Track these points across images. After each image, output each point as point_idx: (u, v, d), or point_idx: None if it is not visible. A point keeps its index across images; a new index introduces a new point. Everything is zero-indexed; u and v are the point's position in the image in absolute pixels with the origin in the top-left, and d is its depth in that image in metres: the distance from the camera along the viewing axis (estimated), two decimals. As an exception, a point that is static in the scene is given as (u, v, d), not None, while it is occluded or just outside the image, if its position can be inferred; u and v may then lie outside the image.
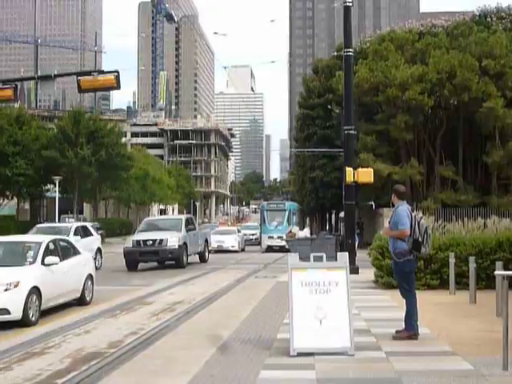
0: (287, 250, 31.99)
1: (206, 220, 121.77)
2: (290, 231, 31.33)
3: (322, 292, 7.82)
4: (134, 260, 22.81)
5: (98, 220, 53.64)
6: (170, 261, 23.13)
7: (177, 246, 22.69)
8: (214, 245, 34.28)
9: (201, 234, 26.70)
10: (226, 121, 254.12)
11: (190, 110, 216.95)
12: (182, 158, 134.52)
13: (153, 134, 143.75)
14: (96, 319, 11.44)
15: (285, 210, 40.53)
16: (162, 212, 76.87)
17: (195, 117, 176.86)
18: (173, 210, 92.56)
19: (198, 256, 26.04)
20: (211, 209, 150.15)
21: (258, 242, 42.13)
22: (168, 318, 11.26)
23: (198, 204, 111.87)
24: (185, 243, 23.33)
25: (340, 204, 42.39)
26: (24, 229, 42.17)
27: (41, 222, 59.94)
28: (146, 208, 77.54)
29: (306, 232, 32.53)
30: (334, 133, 42.45)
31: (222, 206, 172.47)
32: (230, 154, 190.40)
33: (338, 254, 8.26)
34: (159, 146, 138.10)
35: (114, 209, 71.57)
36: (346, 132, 19.64)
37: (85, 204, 64.74)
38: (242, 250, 38.22)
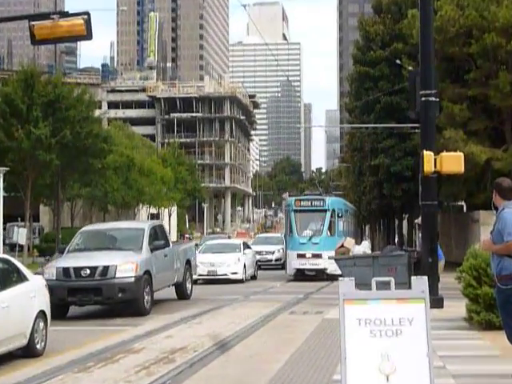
0: (329, 277, 31.78)
1: (218, 230, 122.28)
2: (342, 245, 30.60)
3: (390, 334, 7.77)
4: (61, 302, 19.02)
5: (61, 230, 54.17)
6: (121, 302, 20.26)
7: (133, 279, 19.44)
8: (202, 270, 32.47)
9: (177, 252, 23.89)
10: (247, 84, 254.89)
11: (193, 69, 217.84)
12: (183, 140, 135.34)
13: (140, 105, 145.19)
14: (59, 375, 11.49)
15: (325, 211, 36.20)
16: (154, 218, 77.37)
17: (201, 79, 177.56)
18: (169, 216, 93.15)
19: (174, 289, 24.27)
20: (225, 213, 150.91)
21: (282, 265, 40.56)
22: (164, 373, 11.31)
23: (205, 206, 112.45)
24: (147, 272, 20.33)
25: (415, 205, 42.11)
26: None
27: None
28: (130, 212, 78.11)
29: (366, 247, 32.65)
30: (405, 100, 42.18)
31: (240, 208, 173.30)
32: (253, 132, 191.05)
33: (413, 278, 8.22)
34: (149, 122, 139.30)
35: (85, 213, 72.16)
36: (423, 99, 19.50)
37: (42, 207, 65.42)
38: (253, 277, 36.81)
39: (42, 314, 13.89)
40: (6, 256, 15.87)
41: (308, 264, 34.78)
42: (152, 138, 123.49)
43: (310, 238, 35.26)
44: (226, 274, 34.14)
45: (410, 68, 36.10)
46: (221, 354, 13.10)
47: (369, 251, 32.27)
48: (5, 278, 13.19)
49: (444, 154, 19.49)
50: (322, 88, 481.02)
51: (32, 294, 13.74)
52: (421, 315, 7.83)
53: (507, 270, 8.52)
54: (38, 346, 13.63)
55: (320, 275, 34.15)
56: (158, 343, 14.66)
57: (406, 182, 47.57)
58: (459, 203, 38.43)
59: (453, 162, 19.21)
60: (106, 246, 21.97)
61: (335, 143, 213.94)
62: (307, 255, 34.66)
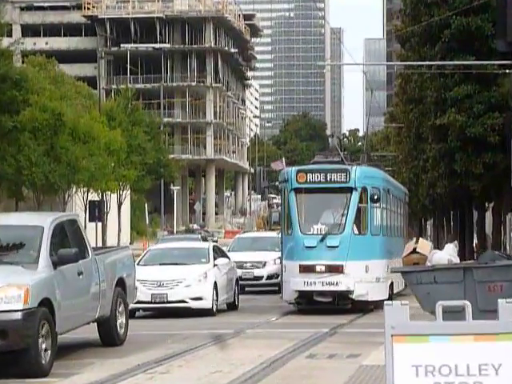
0: (357, 306, 31.46)
1: (196, 226, 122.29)
2: (414, 250, 30.24)
3: (465, 388, 7.81)
4: None
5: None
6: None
7: (19, 315, 17.53)
8: (142, 294, 29.36)
9: (102, 267, 22.00)
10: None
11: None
12: (141, 85, 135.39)
13: (72, 30, 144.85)
14: None
15: (350, 190, 31.27)
16: (95, 209, 77.32)
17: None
18: (119, 205, 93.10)
19: (96, 328, 22.55)
20: (207, 201, 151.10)
21: (278, 285, 36.89)
22: None
23: (175, 190, 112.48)
24: (46, 302, 18.38)
25: (505, 188, 41.88)
26: None
27: None
28: (58, 199, 78.17)
29: (451, 252, 31.94)
30: (490, 23, 41.90)
31: (231, 193, 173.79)
32: (251, 74, 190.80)
33: (501, 302, 8.25)
34: (88, 58, 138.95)
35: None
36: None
37: None
38: (231, 306, 34.76)
39: None
40: None
41: (319, 283, 30.14)
42: (92, 82, 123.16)
43: (323, 239, 30.33)
44: (183, 301, 31.24)
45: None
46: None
47: (456, 260, 31.18)
48: None
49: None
50: (358, 5, 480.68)
51: None
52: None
53: None
54: None
55: (341, 302, 30.98)
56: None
57: (490, 151, 47.50)
58: None
59: None
60: None
61: (379, 91, 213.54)
62: (318, 268, 30.22)
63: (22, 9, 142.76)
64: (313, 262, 30.38)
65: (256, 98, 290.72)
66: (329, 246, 30.28)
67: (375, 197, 31.26)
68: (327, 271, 30.08)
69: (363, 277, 29.66)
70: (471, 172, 50.36)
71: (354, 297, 30.29)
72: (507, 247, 49.66)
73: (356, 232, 31.05)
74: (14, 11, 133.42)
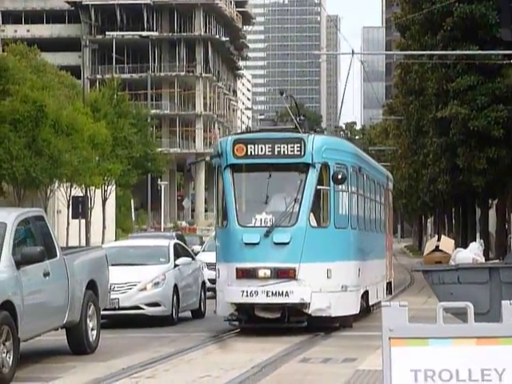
0: (314, 323, 24.21)
1: (184, 224, 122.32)
2: (436, 248, 29.91)
3: (467, 396, 7.81)
4: None
5: None
6: None
7: None
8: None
9: (72, 268, 21.41)
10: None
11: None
12: (127, 75, 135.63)
13: (55, 17, 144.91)
14: None
15: (306, 167, 24.42)
16: (77, 203, 77.36)
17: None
18: (104, 201, 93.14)
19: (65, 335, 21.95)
20: (197, 196, 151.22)
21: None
22: None
23: (163, 185, 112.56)
24: (8, 305, 17.95)
25: (509, 184, 41.87)
26: None
27: None
28: (39, 194, 78.21)
29: (476, 251, 31.77)
30: (494, 11, 42.06)
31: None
32: (243, 64, 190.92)
33: (505, 304, 8.24)
34: (71, 46, 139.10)
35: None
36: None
37: None
38: (195, 313, 32.56)
39: None
40: None
41: (263, 294, 23.23)
42: (76, 71, 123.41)
43: (269, 233, 23.39)
44: (137, 307, 28.68)
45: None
46: None
47: (482, 259, 30.95)
48: None
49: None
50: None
51: None
52: (519, 365, 7.84)
53: None
54: None
55: (293, 319, 23.88)
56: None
57: (494, 145, 47.56)
58: None
59: None
60: None
61: (378, 82, 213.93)
62: (261, 272, 23.31)
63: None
64: (254, 264, 22.96)
65: (248, 89, 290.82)
66: (276, 243, 22.98)
67: (339, 176, 23.53)
68: (274, 277, 22.75)
69: (324, 284, 22.71)
70: (474, 167, 50.42)
71: (310, 312, 22.81)
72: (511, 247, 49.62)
73: (314, 224, 23.62)
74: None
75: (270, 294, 22.58)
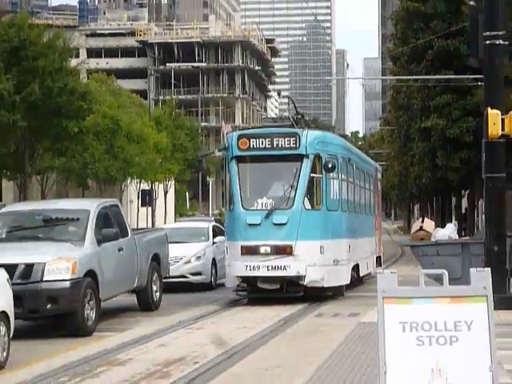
0: (309, 293, 22.37)
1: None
2: (421, 228, 29.66)
3: (443, 342, 7.72)
4: None
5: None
6: (51, 316, 18.20)
7: (68, 283, 17.33)
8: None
9: (140, 245, 21.80)
10: (264, 26, 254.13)
11: (195, 7, 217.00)
12: (182, 96, 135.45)
13: (127, 53, 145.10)
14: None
15: (300, 157, 22.73)
16: (146, 196, 77.54)
17: (205, 19, 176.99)
18: (165, 193, 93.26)
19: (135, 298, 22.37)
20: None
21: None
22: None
23: (211, 181, 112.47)
24: (91, 273, 18.26)
25: (477, 179, 41.52)
26: None
27: None
28: (116, 188, 78.32)
29: (452, 230, 31.72)
30: (465, 45, 41.81)
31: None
32: (271, 87, 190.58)
33: (472, 270, 8.16)
34: (140, 74, 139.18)
35: (59, 190, 72.42)
36: (488, 42, 19.37)
37: (5, 182, 65.75)
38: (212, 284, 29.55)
39: (2, 316, 13.92)
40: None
41: (264, 268, 21.69)
42: (143, 94, 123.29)
43: (269, 215, 21.90)
44: (183, 276, 28.02)
45: (472, 3, 35.75)
46: (228, 366, 13.11)
47: (455, 236, 30.92)
48: None
49: (514, 113, 19.36)
50: (358, 31, 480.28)
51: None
52: (482, 318, 7.76)
53: None
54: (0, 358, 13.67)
55: (290, 289, 22.06)
56: (150, 353, 14.73)
57: (465, 149, 47.30)
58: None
59: (526, 122, 19.08)
60: (33, 235, 19.68)
61: (375, 101, 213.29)
62: (262, 249, 21.76)
63: (87, 35, 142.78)
64: (256, 242, 21.58)
65: (276, 107, 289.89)
66: (275, 224, 21.61)
67: (330, 165, 22.13)
68: (273, 253, 21.39)
69: (317, 259, 21.21)
70: (450, 166, 50.30)
71: (305, 283, 21.36)
72: (479, 227, 49.34)
73: (308, 207, 22.15)
74: (80, 37, 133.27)
75: (270, 268, 21.25)
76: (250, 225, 21.55)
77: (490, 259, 18.66)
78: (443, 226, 39.50)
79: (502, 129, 18.77)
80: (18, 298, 15.32)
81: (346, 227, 23.96)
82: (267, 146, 22.37)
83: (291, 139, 22.16)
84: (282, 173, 22.56)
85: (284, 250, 21.24)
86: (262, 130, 24.83)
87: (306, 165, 21.89)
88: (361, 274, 26.66)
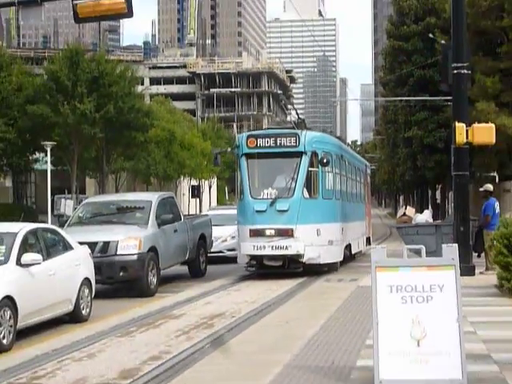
0: (308, 269, 20.41)
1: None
2: (404, 214, 29.45)
3: (421, 301, 7.73)
4: None
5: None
6: (123, 281, 18.40)
7: (135, 256, 17.64)
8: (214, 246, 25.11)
9: (190, 226, 21.67)
10: (284, 59, 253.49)
11: (232, 46, 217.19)
12: (222, 114, 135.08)
13: (180, 81, 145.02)
14: (102, 339, 11.66)
15: (300, 154, 20.81)
16: (194, 190, 77.72)
17: (239, 55, 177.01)
18: (210, 187, 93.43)
19: (187, 268, 22.43)
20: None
21: None
22: (203, 338, 11.41)
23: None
24: (153, 249, 18.49)
25: (447, 176, 41.51)
26: (4, 214, 43.15)
27: (28, 206, 61.42)
28: (172, 184, 78.50)
29: (428, 215, 31.66)
30: (438, 73, 41.71)
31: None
32: (290, 107, 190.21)
33: (444, 246, 8.16)
34: (190, 97, 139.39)
35: (128, 185, 72.66)
36: (455, 72, 19.30)
37: (87, 179, 66.04)
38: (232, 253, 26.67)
39: (86, 281, 14.12)
40: (52, 226, 16.11)
41: (269, 247, 19.91)
42: (192, 112, 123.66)
43: (273, 203, 20.11)
44: (221, 251, 27.00)
45: (443, 42, 35.48)
46: (258, 319, 13.16)
47: (431, 220, 30.94)
48: (51, 247, 13.38)
49: (476, 125, 19.33)
50: (357, 63, 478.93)
51: (77, 262, 13.97)
52: (451, 282, 7.78)
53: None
54: (83, 312, 13.86)
55: (292, 266, 20.29)
56: (198, 309, 14.79)
57: (438, 153, 47.13)
58: (491, 174, 37.47)
59: (484, 133, 19.05)
60: (108, 219, 19.97)
61: (370, 117, 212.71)
62: (267, 232, 19.93)
63: (150, 68, 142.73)
64: (262, 226, 19.85)
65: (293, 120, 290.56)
66: (278, 210, 19.95)
67: (325, 160, 20.37)
68: (277, 235, 19.74)
69: (314, 240, 19.66)
70: (427, 166, 50.27)
71: (304, 260, 19.80)
72: (449, 213, 49.16)
73: (306, 196, 20.38)
74: (145, 69, 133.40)
75: (274, 247, 19.59)
76: (257, 211, 19.84)
77: (457, 237, 18.61)
78: (422, 212, 39.32)
79: (467, 137, 18.73)
80: (97, 268, 15.52)
81: (339, 213, 22.05)
82: (272, 144, 20.72)
83: (292, 138, 20.57)
84: (284, 167, 20.79)
85: (286, 233, 19.61)
86: (267, 130, 23.50)
87: (305, 160, 20.21)
88: (353, 252, 25.01)
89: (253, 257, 20.12)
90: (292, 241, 19.46)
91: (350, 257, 24.14)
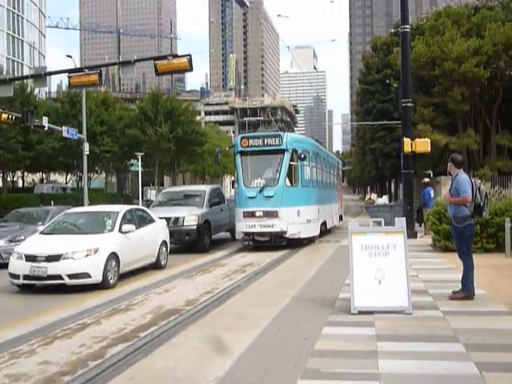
0: (291, 243, 17.41)
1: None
2: (370, 198, 28.96)
3: (381, 255, 7.65)
4: None
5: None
6: (186, 243, 17.73)
7: (195, 227, 17.38)
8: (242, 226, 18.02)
9: (230, 207, 20.25)
10: (291, 98, 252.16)
11: (257, 89, 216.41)
12: (255, 134, 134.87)
13: (224, 112, 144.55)
14: (173, 280, 11.64)
15: (282, 151, 17.66)
16: (233, 183, 77.90)
17: (262, 95, 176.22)
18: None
19: (229, 233, 21.31)
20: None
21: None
22: (239, 279, 11.36)
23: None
24: (207, 221, 18.05)
25: (399, 173, 41.09)
26: (111, 200, 43.52)
27: (127, 194, 61.83)
28: (219, 180, 78.46)
29: (385, 199, 31.34)
30: (392, 106, 41.26)
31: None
32: (296, 128, 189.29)
33: (396, 219, 8.04)
34: (230, 123, 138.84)
35: (191, 181, 72.76)
36: (403, 105, 19.12)
37: (165, 177, 66.24)
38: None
39: (164, 242, 14.11)
40: (142, 207, 16.19)
41: (258, 226, 17.23)
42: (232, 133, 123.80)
43: (262, 190, 17.21)
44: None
45: (395, 85, 35.22)
46: (274, 267, 13.11)
47: (387, 202, 30.53)
48: (141, 220, 13.40)
49: (417, 140, 19.20)
50: (339, 99, 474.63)
51: (158, 230, 13.97)
52: (401, 243, 7.70)
53: (461, 213, 8.30)
54: (162, 263, 13.84)
55: (277, 240, 17.48)
56: (236, 260, 14.78)
57: (392, 158, 46.63)
58: (428, 172, 37.24)
59: (423, 145, 18.90)
60: (178, 202, 19.24)
61: (347, 135, 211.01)
62: (257, 213, 17.14)
63: (204, 104, 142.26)
64: (253, 209, 17.08)
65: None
66: (266, 196, 17.07)
67: (302, 156, 17.45)
68: (265, 216, 17.02)
69: (295, 219, 17.08)
70: (385, 167, 49.70)
71: (287, 236, 17.13)
72: (400, 197, 48.87)
73: (288, 184, 17.37)
74: (201, 105, 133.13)
75: (262, 226, 16.92)
76: (248, 197, 17.08)
77: (405, 213, 18.45)
78: (381, 197, 38.97)
79: (411, 148, 18.57)
80: (171, 234, 15.33)
81: (316, 197, 19.14)
82: (260, 143, 17.72)
83: (276, 139, 17.55)
84: (270, 161, 17.69)
85: (272, 214, 16.87)
86: (256, 133, 20.20)
87: (287, 156, 17.28)
88: (328, 227, 21.92)
89: (246, 233, 17.42)
90: (277, 220, 16.83)
91: (326, 231, 21.62)
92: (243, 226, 17.16)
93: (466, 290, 8.27)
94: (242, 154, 17.64)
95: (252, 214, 16.94)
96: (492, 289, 8.99)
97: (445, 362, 5.60)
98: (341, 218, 27.18)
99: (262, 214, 16.87)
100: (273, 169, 17.50)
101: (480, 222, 12.62)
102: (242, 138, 18.03)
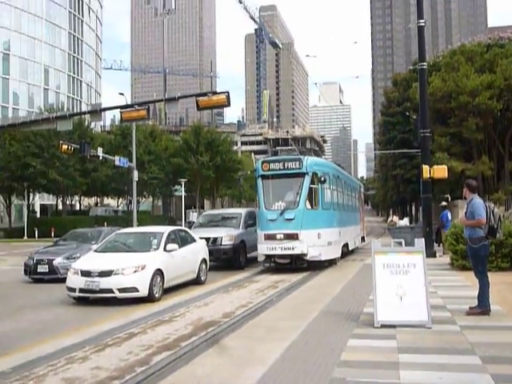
0: (312, 265, 15.73)
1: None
2: (392, 220, 28.31)
3: (402, 273, 7.54)
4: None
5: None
6: (224, 260, 17.26)
7: (231, 246, 17.07)
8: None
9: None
10: (319, 129, 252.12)
11: (288, 122, 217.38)
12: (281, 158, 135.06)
13: (258, 143, 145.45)
14: (212, 295, 11.62)
15: (303, 175, 16.01)
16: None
17: (293, 127, 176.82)
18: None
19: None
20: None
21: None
22: (271, 294, 11.26)
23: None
24: (242, 241, 17.61)
25: (419, 197, 40.52)
26: (157, 221, 43.99)
27: (171, 216, 62.33)
28: (254, 203, 78.49)
29: (406, 221, 30.84)
30: (411, 136, 41.02)
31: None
32: (323, 156, 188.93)
33: (416, 239, 7.92)
34: (264, 152, 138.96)
35: (229, 204, 73.04)
36: (422, 135, 18.95)
37: (205, 200, 66.70)
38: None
39: (204, 260, 14.10)
40: (184, 228, 16.26)
41: (279, 248, 15.50)
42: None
43: (282, 213, 15.55)
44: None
45: (414, 117, 34.97)
46: (303, 284, 12.97)
47: (408, 224, 29.98)
48: (183, 240, 13.45)
49: (435, 166, 18.96)
50: (363, 130, 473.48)
51: (198, 249, 13.99)
52: (420, 262, 7.57)
53: (476, 235, 8.14)
54: (202, 279, 13.80)
55: (298, 262, 15.64)
56: (269, 277, 14.61)
57: (413, 183, 45.99)
58: (445, 196, 36.61)
59: (441, 171, 18.65)
60: (216, 224, 18.80)
61: (371, 162, 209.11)
62: (278, 236, 15.45)
63: (241, 135, 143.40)
64: (274, 231, 15.43)
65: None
66: (286, 219, 15.41)
67: (322, 179, 15.94)
68: (285, 238, 15.31)
69: (316, 242, 15.44)
70: (406, 191, 49.05)
71: (308, 258, 15.42)
72: (419, 219, 48.05)
73: (308, 207, 15.62)
74: (238, 136, 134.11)
75: (283, 248, 15.26)
76: (269, 220, 15.46)
77: (424, 234, 18.14)
78: (402, 219, 38.32)
79: (430, 174, 18.35)
80: (210, 252, 15.23)
81: (337, 220, 17.42)
82: (281, 167, 16.07)
83: (296, 162, 15.94)
84: (290, 185, 15.98)
85: (292, 236, 15.18)
86: (277, 157, 18.82)
87: (307, 179, 15.65)
88: (350, 248, 20.36)
89: (267, 255, 15.79)
90: (297, 243, 15.20)
91: (348, 252, 20.28)
92: (264, 248, 15.63)
93: (483, 306, 8.07)
94: (263, 177, 16.16)
95: (273, 237, 15.39)
96: (506, 305, 8.74)
97: (462, 373, 5.47)
98: (363, 239, 25.67)
99: (282, 236, 15.30)
100: (293, 192, 15.96)
101: (495, 243, 12.33)
102: (263, 162, 16.54)
